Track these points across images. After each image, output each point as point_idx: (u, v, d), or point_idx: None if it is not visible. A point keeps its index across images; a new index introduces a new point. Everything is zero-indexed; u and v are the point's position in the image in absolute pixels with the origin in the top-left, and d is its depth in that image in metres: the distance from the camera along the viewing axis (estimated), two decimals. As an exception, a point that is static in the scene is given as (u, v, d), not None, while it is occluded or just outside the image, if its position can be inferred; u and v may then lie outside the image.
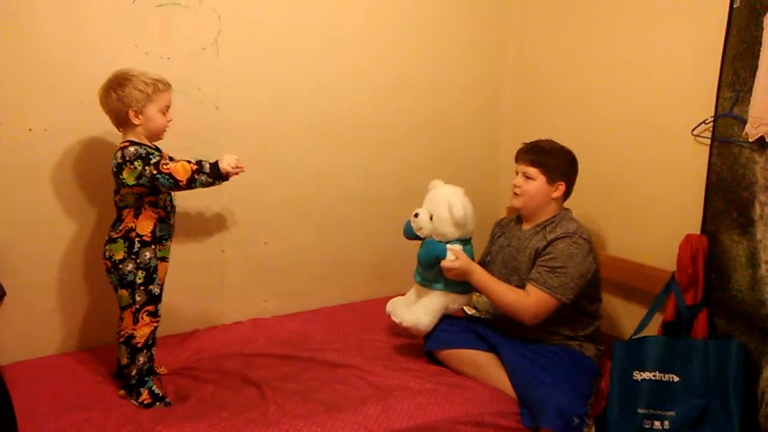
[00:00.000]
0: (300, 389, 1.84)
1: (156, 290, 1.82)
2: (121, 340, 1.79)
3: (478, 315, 2.20)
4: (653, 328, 1.95)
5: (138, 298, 1.77)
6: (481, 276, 1.93)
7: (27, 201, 1.99)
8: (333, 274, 2.59)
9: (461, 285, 1.99)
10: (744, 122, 1.74)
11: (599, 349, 1.98)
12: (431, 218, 2.00)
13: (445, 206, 1.98)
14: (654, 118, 2.10)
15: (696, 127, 1.93)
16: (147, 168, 1.68)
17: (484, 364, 1.93)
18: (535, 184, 1.96)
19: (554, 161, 1.96)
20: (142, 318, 1.78)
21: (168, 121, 1.83)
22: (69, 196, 2.05)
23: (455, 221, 1.98)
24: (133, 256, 1.75)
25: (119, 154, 1.71)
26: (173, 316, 2.27)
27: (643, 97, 2.14)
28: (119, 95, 1.72)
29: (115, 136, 2.05)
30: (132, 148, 1.70)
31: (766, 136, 1.68)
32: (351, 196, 2.56)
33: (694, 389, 1.77)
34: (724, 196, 1.84)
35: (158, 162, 1.69)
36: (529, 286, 1.87)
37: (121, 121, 1.76)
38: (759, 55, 1.69)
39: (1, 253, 1.98)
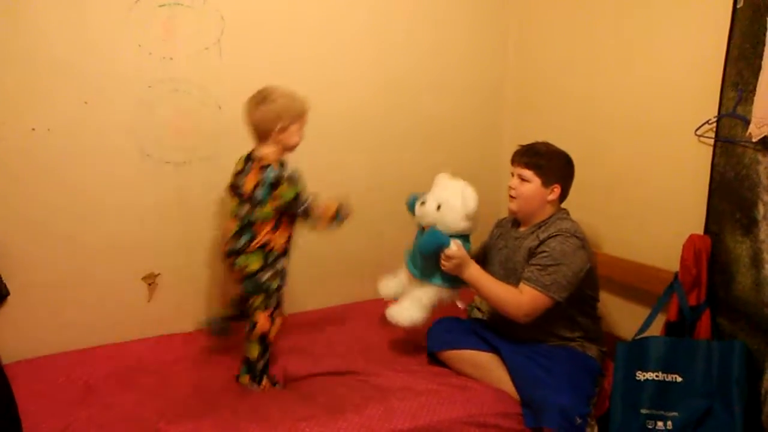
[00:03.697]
0: (302, 390, 1.85)
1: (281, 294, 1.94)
2: (254, 338, 1.89)
3: (481, 316, 2.20)
4: (656, 329, 1.94)
5: (272, 302, 1.90)
6: (476, 271, 1.92)
7: (29, 201, 2.00)
8: (335, 274, 2.59)
9: (457, 280, 1.97)
10: (747, 122, 1.73)
11: (602, 350, 1.98)
12: (438, 208, 1.96)
13: (458, 197, 1.95)
14: (657, 118, 2.10)
15: (699, 127, 1.92)
16: (305, 195, 1.83)
17: (486, 365, 1.92)
18: (531, 186, 1.95)
19: (550, 163, 1.95)
20: (276, 319, 1.92)
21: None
22: (71, 196, 2.06)
23: (467, 213, 1.95)
24: (269, 267, 1.86)
25: (279, 170, 1.80)
26: (175, 317, 2.28)
27: (646, 97, 2.13)
28: (276, 111, 1.82)
29: (116, 136, 2.07)
30: (290, 171, 1.82)
31: (769, 136, 1.68)
32: (353, 195, 2.54)
33: (697, 390, 1.76)
34: (728, 196, 1.83)
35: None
36: (522, 285, 1.86)
37: (264, 134, 1.85)
38: (762, 55, 1.68)
39: (3, 253, 1.98)
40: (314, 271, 2.53)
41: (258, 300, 1.89)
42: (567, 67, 2.48)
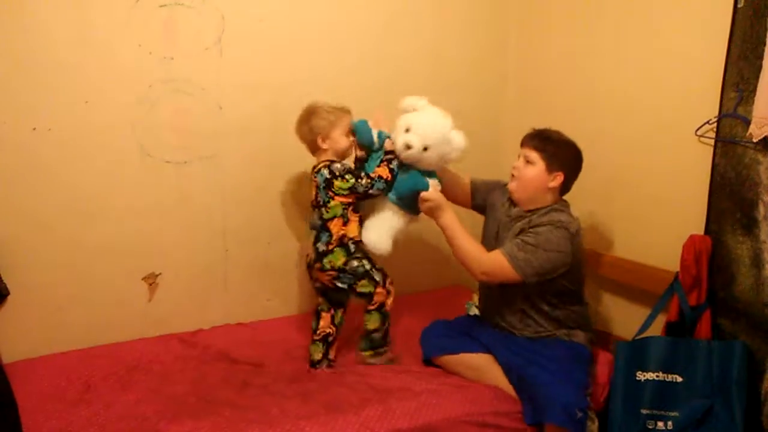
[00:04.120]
0: (301, 390, 1.85)
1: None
2: (374, 307, 2.01)
3: (478, 314, 2.21)
4: (657, 329, 1.95)
5: (378, 279, 2.00)
6: (449, 219, 1.92)
7: (30, 200, 2.00)
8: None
9: (412, 207, 1.97)
10: (748, 122, 1.73)
11: (589, 336, 1.98)
12: (425, 149, 1.90)
13: (448, 137, 1.92)
14: (658, 118, 2.10)
15: (700, 128, 1.92)
16: (360, 180, 1.93)
17: (482, 366, 1.93)
18: (534, 169, 1.92)
19: (557, 150, 1.92)
20: (390, 288, 2.04)
21: (352, 141, 2.02)
22: (71, 196, 2.06)
23: (459, 152, 1.96)
24: (353, 256, 1.98)
25: (326, 171, 1.94)
26: (177, 316, 2.28)
27: (647, 97, 2.13)
28: (309, 126, 1.98)
29: (117, 136, 2.08)
30: (338, 165, 1.95)
31: (769, 136, 1.68)
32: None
33: (697, 390, 1.77)
34: (728, 196, 1.83)
35: (366, 173, 1.96)
36: (496, 250, 1.87)
37: (314, 147, 2.01)
38: (763, 55, 1.68)
39: (4, 252, 1.99)
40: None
41: (364, 286, 2.00)
42: (567, 66, 2.48)
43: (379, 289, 2.00)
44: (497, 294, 2.01)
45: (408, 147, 1.90)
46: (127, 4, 2.02)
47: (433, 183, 1.95)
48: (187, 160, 2.21)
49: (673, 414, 1.77)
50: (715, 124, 1.87)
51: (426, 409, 1.73)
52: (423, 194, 1.92)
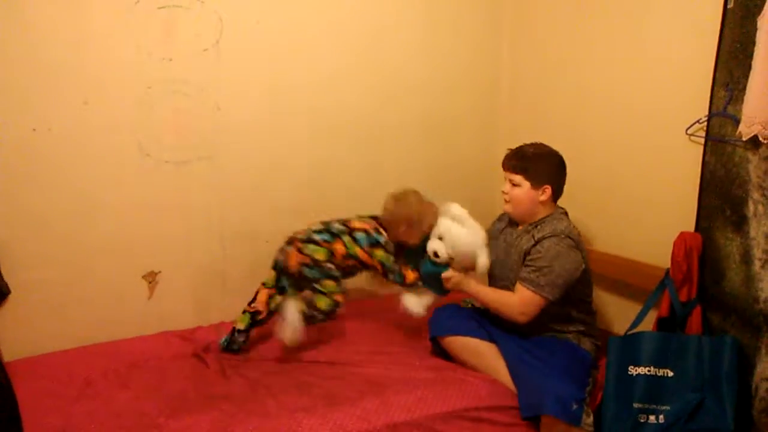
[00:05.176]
0: (299, 384, 1.87)
1: None
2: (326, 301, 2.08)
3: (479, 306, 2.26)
4: (648, 324, 1.97)
5: (340, 289, 2.11)
6: (473, 285, 2.04)
7: (30, 200, 2.03)
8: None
9: (439, 288, 2.13)
10: (738, 121, 1.75)
11: (596, 344, 2.02)
12: (451, 260, 2.08)
13: (475, 254, 2.06)
14: (648, 117, 2.13)
15: (690, 126, 1.95)
16: (395, 266, 2.15)
17: (485, 353, 1.96)
18: (521, 190, 2.00)
19: (537, 166, 1.99)
20: (340, 299, 2.11)
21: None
22: (72, 195, 2.08)
23: (475, 269, 2.09)
24: (330, 260, 2.12)
25: (379, 236, 2.16)
26: (176, 313, 2.30)
27: (638, 96, 2.16)
28: (408, 221, 2.14)
29: (116, 136, 2.10)
30: (390, 243, 2.17)
31: (759, 134, 1.69)
32: (351, 194, 2.58)
33: (688, 384, 1.79)
34: (718, 194, 1.85)
35: (399, 264, 2.19)
36: (518, 285, 1.94)
37: (390, 223, 2.18)
38: (752, 55, 1.71)
39: (5, 252, 2.00)
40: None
41: (326, 287, 2.09)
42: (560, 66, 2.51)
43: (337, 297, 2.09)
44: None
45: (435, 255, 2.06)
46: (126, 5, 2.05)
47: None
48: (186, 160, 2.24)
49: (664, 408, 1.79)
50: (705, 123, 1.90)
51: (423, 403, 1.75)
52: (444, 275, 2.05)
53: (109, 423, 1.67)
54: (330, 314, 2.08)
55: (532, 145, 2.05)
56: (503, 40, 2.80)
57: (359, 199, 2.59)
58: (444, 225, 2.08)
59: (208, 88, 2.22)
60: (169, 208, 2.24)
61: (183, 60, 2.16)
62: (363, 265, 2.17)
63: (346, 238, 2.14)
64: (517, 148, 2.05)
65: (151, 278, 2.25)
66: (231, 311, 2.38)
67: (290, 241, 2.15)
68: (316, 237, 2.13)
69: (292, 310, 2.00)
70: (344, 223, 2.19)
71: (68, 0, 1.97)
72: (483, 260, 2.08)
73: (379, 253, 2.13)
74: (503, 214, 2.25)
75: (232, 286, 2.40)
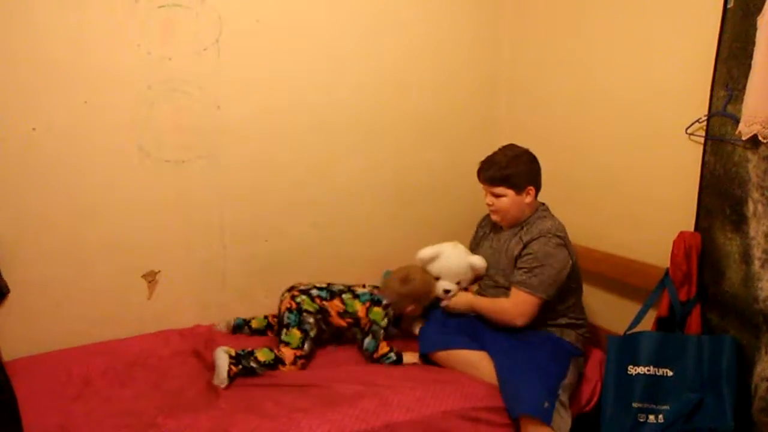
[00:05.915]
0: (297, 384, 1.87)
1: None
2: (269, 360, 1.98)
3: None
4: (647, 324, 1.97)
5: (306, 348, 2.04)
6: (467, 303, 2.12)
7: (30, 200, 2.03)
8: (332, 271, 2.60)
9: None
10: (737, 121, 1.75)
11: (583, 335, 2.05)
12: (458, 283, 2.18)
13: (468, 269, 2.17)
14: (648, 116, 2.12)
15: (690, 126, 1.95)
16: (381, 329, 2.12)
17: (477, 363, 1.97)
18: (507, 199, 2.03)
19: (516, 171, 2.02)
20: (296, 361, 2.01)
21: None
22: (71, 195, 2.08)
23: (477, 273, 2.19)
24: (317, 318, 2.11)
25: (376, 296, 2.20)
26: (175, 312, 2.30)
27: (638, 96, 2.16)
28: (414, 297, 2.19)
29: (116, 135, 2.10)
30: (390, 307, 2.19)
31: (758, 134, 1.69)
32: (351, 193, 2.59)
33: (688, 383, 1.79)
34: (718, 193, 1.86)
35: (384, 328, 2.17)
36: (513, 289, 1.98)
37: (393, 297, 2.19)
38: (752, 55, 1.71)
39: (4, 251, 2.01)
40: (311, 269, 2.54)
41: (296, 335, 2.05)
42: (560, 65, 2.50)
43: (288, 351, 2.00)
44: (492, 295, 2.10)
45: (447, 292, 2.17)
46: (126, 5, 2.05)
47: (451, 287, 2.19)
48: (186, 159, 2.24)
49: (664, 407, 1.79)
50: (705, 123, 1.90)
51: (421, 403, 1.75)
52: (441, 304, 2.18)
53: (108, 422, 1.68)
54: (267, 367, 1.95)
55: (501, 151, 2.08)
56: (503, 40, 2.79)
57: (359, 198, 2.60)
58: (432, 268, 2.18)
59: (208, 87, 2.22)
60: (169, 207, 2.24)
61: (183, 59, 2.16)
62: (356, 324, 2.15)
63: (347, 296, 2.17)
64: (487, 159, 2.09)
65: (150, 277, 2.25)
66: (230, 310, 2.40)
67: (290, 289, 2.20)
68: (314, 292, 2.15)
69: (222, 356, 1.91)
70: (348, 286, 2.24)
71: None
72: (477, 261, 2.14)
73: (377, 311, 2.13)
74: (485, 218, 2.27)
75: (232, 285, 2.40)
